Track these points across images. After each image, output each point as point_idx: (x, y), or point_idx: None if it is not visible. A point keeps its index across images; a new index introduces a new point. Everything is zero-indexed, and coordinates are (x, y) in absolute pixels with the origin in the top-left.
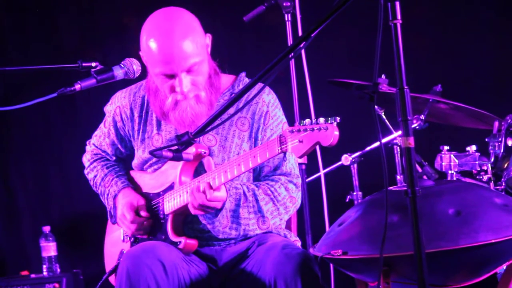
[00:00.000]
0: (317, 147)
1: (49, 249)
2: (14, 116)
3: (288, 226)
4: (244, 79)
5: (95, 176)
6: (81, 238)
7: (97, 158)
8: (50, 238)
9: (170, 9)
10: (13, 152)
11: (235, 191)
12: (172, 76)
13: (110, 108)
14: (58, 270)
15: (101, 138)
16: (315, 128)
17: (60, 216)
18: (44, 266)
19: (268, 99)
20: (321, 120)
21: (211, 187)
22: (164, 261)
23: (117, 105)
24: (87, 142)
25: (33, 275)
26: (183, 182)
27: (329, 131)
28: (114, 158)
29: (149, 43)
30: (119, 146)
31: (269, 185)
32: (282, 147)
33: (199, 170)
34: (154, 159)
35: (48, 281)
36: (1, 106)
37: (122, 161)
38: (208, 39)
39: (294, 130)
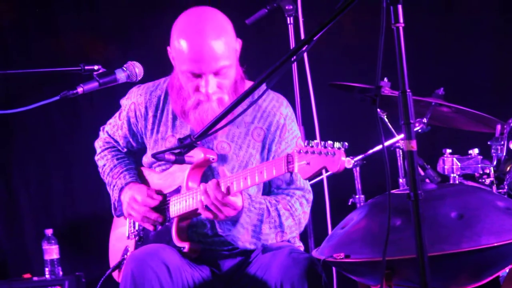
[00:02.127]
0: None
1: (52, 252)
2: (16, 119)
3: None
4: (263, 88)
5: (104, 165)
6: (83, 241)
7: (109, 147)
8: (53, 241)
9: (204, 8)
10: (16, 155)
11: (259, 206)
12: (198, 76)
13: (125, 103)
14: (61, 273)
15: (114, 128)
16: (322, 152)
17: (63, 219)
18: (47, 269)
19: (286, 112)
20: (329, 143)
21: (228, 191)
22: (168, 264)
23: (132, 101)
24: (101, 128)
25: (35, 278)
26: (190, 187)
27: (336, 157)
28: (125, 150)
29: (180, 40)
30: (131, 140)
31: (287, 200)
32: (289, 166)
33: (206, 175)
34: (164, 162)
35: (50, 284)
36: (3, 109)
37: (132, 153)
38: (238, 45)
39: (302, 151)
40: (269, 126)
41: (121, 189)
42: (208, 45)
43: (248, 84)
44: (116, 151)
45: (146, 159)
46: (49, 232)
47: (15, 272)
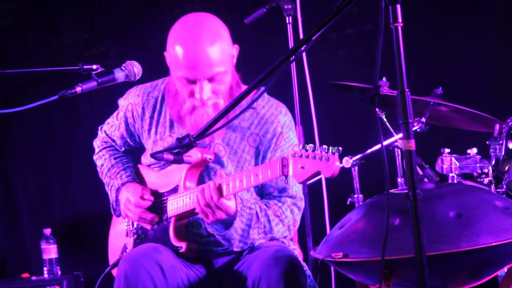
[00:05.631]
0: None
1: (50, 251)
2: (15, 118)
3: None
4: (264, 94)
5: (102, 165)
6: (82, 241)
7: (107, 146)
8: (51, 240)
9: (200, 14)
10: (14, 154)
11: (249, 211)
12: (193, 82)
13: (123, 103)
14: (59, 272)
15: (112, 128)
16: (317, 157)
17: (61, 218)
18: (45, 269)
19: (284, 120)
20: (324, 148)
21: (220, 191)
22: (162, 264)
23: (129, 101)
24: (99, 127)
25: (34, 278)
26: (188, 187)
27: (330, 163)
28: (123, 149)
29: (175, 46)
30: (128, 140)
31: (278, 206)
32: (284, 170)
33: (203, 175)
34: (163, 162)
35: (49, 284)
36: (2, 108)
37: (131, 152)
38: (235, 50)
39: (296, 154)
40: (265, 133)
41: (118, 189)
42: (202, 51)
43: (243, 88)
44: (114, 150)
45: (145, 159)
46: (47, 231)
47: (14, 272)
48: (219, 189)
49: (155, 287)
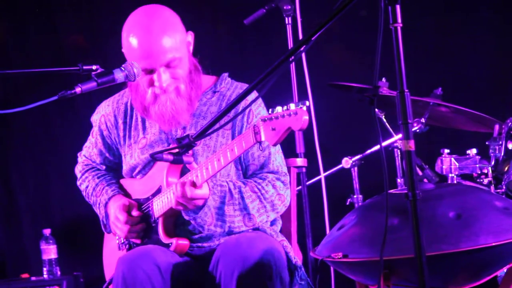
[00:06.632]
0: (317, 149)
1: (50, 251)
2: (15, 119)
3: (288, 229)
4: (226, 79)
5: (87, 187)
6: (81, 241)
7: (88, 169)
8: (51, 241)
9: (150, 6)
10: (14, 154)
11: (220, 189)
12: (151, 72)
13: (95, 118)
14: (59, 273)
15: (90, 149)
16: (285, 114)
17: (61, 218)
18: (45, 269)
19: (251, 98)
20: (292, 106)
21: (193, 185)
22: (159, 264)
23: (101, 114)
24: (78, 154)
25: (33, 278)
26: (170, 183)
27: (299, 116)
28: (104, 167)
29: (129, 39)
30: (107, 154)
31: (257, 183)
32: (256, 136)
33: (185, 171)
34: (142, 166)
35: (48, 284)
36: (1, 108)
37: (112, 170)
38: (190, 37)
39: (266, 118)
40: (235, 113)
41: (106, 204)
42: (155, 40)
43: (205, 77)
44: (96, 171)
45: (125, 167)
46: (47, 232)
47: (13, 272)
48: (193, 184)
49: (153, 287)
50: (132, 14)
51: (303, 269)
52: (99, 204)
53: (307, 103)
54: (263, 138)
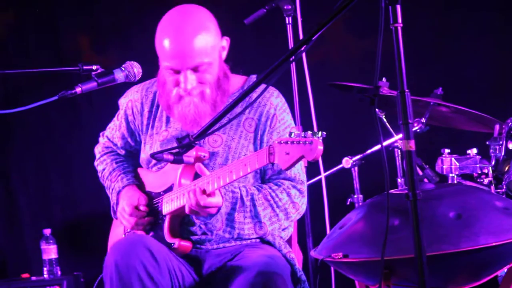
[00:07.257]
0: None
1: (50, 251)
2: (15, 119)
3: None
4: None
5: (104, 169)
6: (82, 241)
7: (108, 152)
8: (51, 241)
9: (188, 5)
10: (14, 154)
11: (232, 195)
12: (178, 72)
13: (123, 101)
14: (59, 272)
15: (113, 131)
16: (301, 142)
17: (61, 218)
18: (45, 269)
19: (276, 102)
20: (309, 133)
21: (205, 193)
22: (152, 249)
23: (129, 98)
24: (101, 134)
25: (33, 278)
26: (183, 184)
27: (314, 146)
28: (123, 151)
29: (161, 36)
30: (129, 139)
31: (271, 190)
32: (270, 157)
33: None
34: None
35: (49, 284)
36: (2, 108)
37: (131, 155)
38: (225, 42)
39: (282, 141)
40: (259, 116)
41: (119, 192)
42: (186, 41)
43: (235, 78)
44: (115, 155)
45: (144, 155)
46: (47, 232)
47: (14, 272)
48: (204, 191)
49: (147, 272)
50: (169, 11)
51: (306, 283)
52: (112, 189)
53: (324, 133)
54: (276, 161)
